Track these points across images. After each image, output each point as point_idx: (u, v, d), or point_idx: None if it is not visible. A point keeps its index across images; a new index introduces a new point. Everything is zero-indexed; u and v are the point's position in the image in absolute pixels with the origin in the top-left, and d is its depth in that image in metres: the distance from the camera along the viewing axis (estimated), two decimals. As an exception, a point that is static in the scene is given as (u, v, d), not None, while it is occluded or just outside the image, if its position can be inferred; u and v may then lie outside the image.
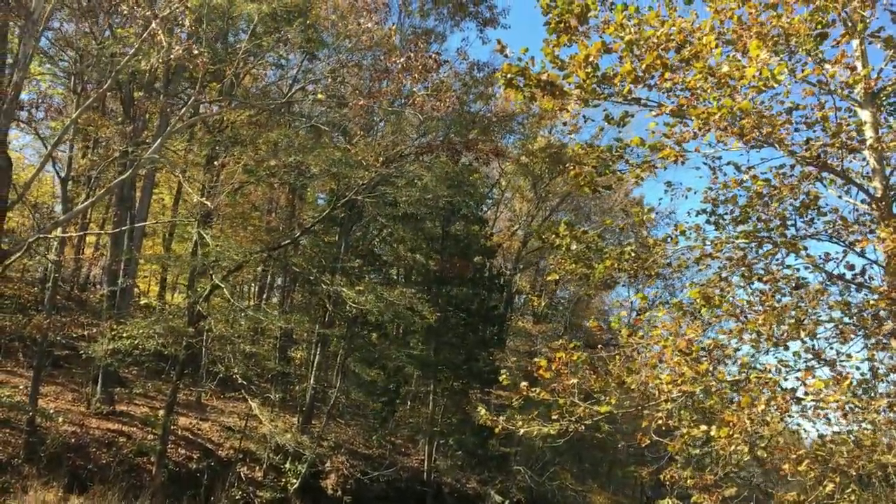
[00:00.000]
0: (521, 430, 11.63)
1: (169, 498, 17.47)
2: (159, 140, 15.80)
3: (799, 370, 11.03)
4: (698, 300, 10.54)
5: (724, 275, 12.16)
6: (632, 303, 42.22)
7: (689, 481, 10.09)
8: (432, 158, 22.73)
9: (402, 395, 29.18)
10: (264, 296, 34.46)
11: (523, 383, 12.99)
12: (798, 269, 12.32)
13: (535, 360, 12.15)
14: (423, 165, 24.16)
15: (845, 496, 9.93)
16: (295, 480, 21.85)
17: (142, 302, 27.10)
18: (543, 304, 34.98)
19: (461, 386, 28.80)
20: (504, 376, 13.74)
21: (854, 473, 9.78)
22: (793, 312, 11.27)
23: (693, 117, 10.13)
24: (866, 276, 12.27)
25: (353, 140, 20.05)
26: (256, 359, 21.51)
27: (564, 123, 13.23)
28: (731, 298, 10.80)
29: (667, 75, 10.34)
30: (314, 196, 34.17)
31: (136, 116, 22.05)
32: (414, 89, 21.14)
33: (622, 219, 25.95)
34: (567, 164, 14.75)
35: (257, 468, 22.24)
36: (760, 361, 11.81)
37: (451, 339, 27.92)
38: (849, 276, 12.06)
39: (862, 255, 12.34)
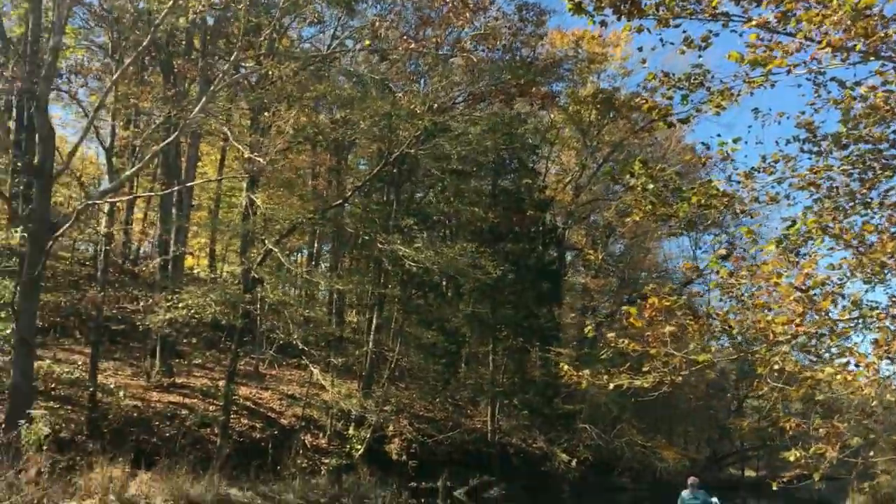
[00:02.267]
0: (611, 385, 10.75)
1: (236, 469, 17.02)
2: (203, 98, 15.06)
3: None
4: (814, 231, 9.44)
5: (827, 205, 11.01)
6: (694, 254, 40.71)
7: (820, 430, 9.11)
8: (483, 107, 21.64)
9: (462, 356, 28.46)
10: (313, 263, 33.91)
11: (610, 334, 12.06)
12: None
13: (625, 308, 11.18)
14: (472, 120, 23.16)
15: None
16: (360, 446, 21.34)
17: (195, 272, 26.65)
18: (601, 257, 33.85)
19: (521, 344, 27.99)
20: (589, 328, 12.86)
21: None
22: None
23: (804, 22, 8.93)
24: None
25: (401, 90, 19.08)
26: (313, 324, 20.89)
27: (640, 49, 12.08)
28: (852, 228, 9.69)
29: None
30: (356, 162, 33.34)
31: (177, 82, 21.36)
32: (462, 34, 20.05)
33: (696, 156, 24.60)
34: (637, 99, 13.62)
35: (321, 435, 21.79)
36: (868, 299, 10.66)
37: (509, 297, 27.03)
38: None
39: None
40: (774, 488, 9.61)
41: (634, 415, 33.62)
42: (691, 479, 17.45)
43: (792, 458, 8.96)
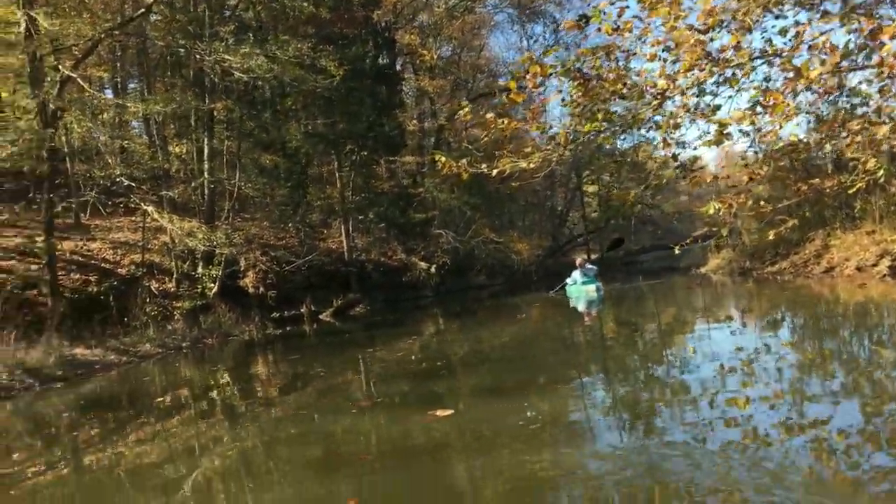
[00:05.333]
0: (494, 171, 9.71)
1: (76, 327, 15.08)
2: None
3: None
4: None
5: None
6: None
7: (719, 180, 8.62)
8: None
9: (308, 176, 26.66)
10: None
11: (489, 115, 10.91)
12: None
13: (503, 82, 9.88)
14: None
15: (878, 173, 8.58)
16: (212, 284, 19.78)
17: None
18: (435, 56, 32.19)
19: (366, 158, 26.55)
20: (465, 109, 11.66)
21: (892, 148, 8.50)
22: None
23: None
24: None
25: None
26: (135, 157, 18.26)
27: None
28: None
29: None
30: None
31: None
32: None
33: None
34: None
35: (167, 280, 19.95)
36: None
37: (349, 108, 25.08)
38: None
39: None
40: (677, 252, 9.35)
41: (484, 215, 33.79)
42: (579, 260, 17.52)
43: (711, 211, 8.50)
